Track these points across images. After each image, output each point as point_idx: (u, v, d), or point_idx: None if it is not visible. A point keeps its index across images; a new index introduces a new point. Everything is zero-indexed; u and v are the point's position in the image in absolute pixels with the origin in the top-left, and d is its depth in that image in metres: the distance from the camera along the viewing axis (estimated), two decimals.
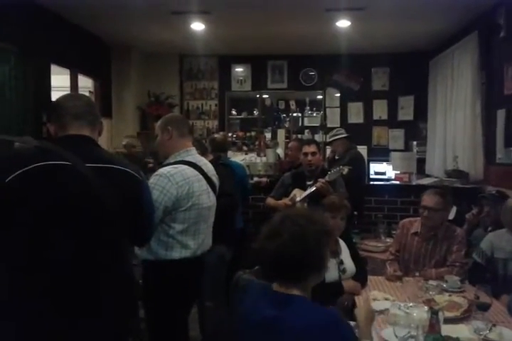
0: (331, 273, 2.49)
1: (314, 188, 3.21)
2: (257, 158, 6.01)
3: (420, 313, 1.97)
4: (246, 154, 6.23)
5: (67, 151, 1.54)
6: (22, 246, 1.47)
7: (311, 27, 5.18)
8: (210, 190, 2.35)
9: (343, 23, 5.00)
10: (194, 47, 5.95)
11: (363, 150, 5.92)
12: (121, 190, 1.60)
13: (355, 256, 2.72)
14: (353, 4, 4.38)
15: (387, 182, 5.70)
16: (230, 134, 6.69)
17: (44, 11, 4.48)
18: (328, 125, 6.47)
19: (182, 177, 2.18)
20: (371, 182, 5.75)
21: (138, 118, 6.47)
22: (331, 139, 4.63)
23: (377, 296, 2.39)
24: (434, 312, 1.61)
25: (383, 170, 6.19)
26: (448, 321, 2.03)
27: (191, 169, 2.26)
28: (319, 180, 3.23)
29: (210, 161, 2.69)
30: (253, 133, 6.80)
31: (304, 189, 3.32)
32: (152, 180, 2.15)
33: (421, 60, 6.13)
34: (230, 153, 6.35)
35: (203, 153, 2.75)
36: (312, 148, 3.45)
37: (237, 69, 6.76)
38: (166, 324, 2.20)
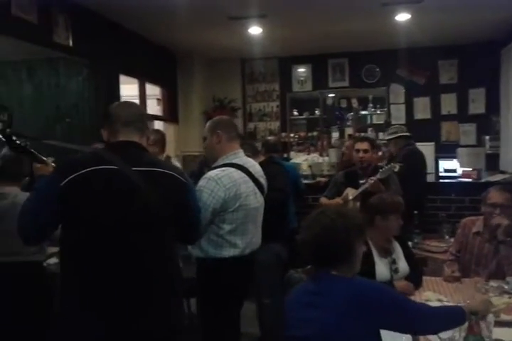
0: (383, 273, 2.45)
1: (366, 186, 3.17)
2: (319, 158, 6.00)
3: None
4: (308, 154, 6.24)
5: (117, 156, 1.67)
6: (74, 246, 1.62)
7: (370, 23, 5.08)
8: (257, 190, 2.40)
9: (403, 17, 4.87)
10: (254, 51, 6.04)
11: (430, 147, 5.70)
12: (166, 192, 1.71)
13: (409, 255, 2.65)
14: None
15: (454, 180, 5.43)
16: (292, 135, 6.72)
17: (110, 23, 4.79)
18: (393, 122, 6.27)
19: (229, 180, 2.26)
20: (440, 180, 5.52)
21: (204, 123, 6.64)
22: (386, 138, 4.54)
23: (431, 297, 2.33)
24: (473, 313, 1.56)
25: (453, 168, 5.89)
26: (504, 324, 1.95)
27: (238, 172, 2.33)
28: (371, 177, 3.19)
29: (262, 162, 2.76)
30: (315, 133, 6.77)
31: (357, 188, 3.28)
32: (201, 183, 2.25)
33: (491, 49, 5.76)
34: (292, 154, 6.42)
35: (253, 154, 2.82)
36: (364, 145, 3.41)
37: (298, 70, 6.77)
38: (217, 319, 2.29)
